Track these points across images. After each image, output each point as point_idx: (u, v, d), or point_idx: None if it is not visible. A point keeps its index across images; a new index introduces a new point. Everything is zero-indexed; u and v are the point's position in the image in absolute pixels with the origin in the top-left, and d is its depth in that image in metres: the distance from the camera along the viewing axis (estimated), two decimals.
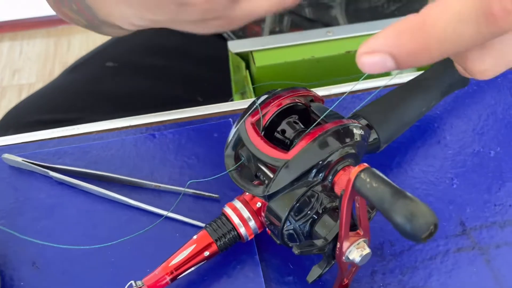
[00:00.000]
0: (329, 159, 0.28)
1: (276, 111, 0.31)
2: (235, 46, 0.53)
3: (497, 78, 0.44)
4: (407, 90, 0.36)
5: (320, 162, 0.28)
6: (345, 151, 0.29)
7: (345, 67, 0.53)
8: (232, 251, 0.33)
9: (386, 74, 0.53)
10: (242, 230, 0.31)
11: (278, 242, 0.31)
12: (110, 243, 0.31)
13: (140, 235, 0.32)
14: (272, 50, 0.52)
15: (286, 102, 0.31)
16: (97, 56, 0.69)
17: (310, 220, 0.29)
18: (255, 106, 0.31)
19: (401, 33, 0.19)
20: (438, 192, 0.37)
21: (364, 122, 0.34)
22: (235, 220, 0.31)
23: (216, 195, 0.36)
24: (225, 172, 0.31)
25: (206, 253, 0.31)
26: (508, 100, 0.42)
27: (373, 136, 0.34)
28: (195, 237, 0.31)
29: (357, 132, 0.30)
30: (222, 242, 0.31)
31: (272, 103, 0.31)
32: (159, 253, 0.31)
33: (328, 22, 0.60)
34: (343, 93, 0.44)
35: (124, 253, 0.34)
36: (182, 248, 0.31)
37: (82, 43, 1.68)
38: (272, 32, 0.61)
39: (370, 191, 0.23)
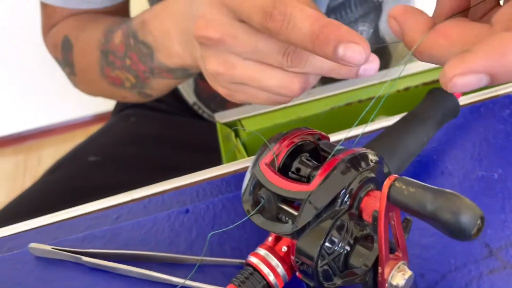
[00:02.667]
0: (351, 186, 0.28)
1: (289, 149, 0.31)
2: (222, 116, 0.53)
3: (479, 108, 0.46)
4: (406, 123, 0.37)
5: (344, 190, 0.28)
6: (364, 176, 0.28)
7: (330, 123, 0.55)
8: None
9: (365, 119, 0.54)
10: (272, 279, 0.29)
11: (312, 284, 0.29)
12: None
13: None
14: (259, 116, 0.53)
15: (296, 141, 0.31)
16: (78, 152, 0.68)
17: (343, 253, 0.28)
18: (267, 149, 0.31)
19: (506, 53, 0.19)
20: None
21: None
22: (263, 269, 0.29)
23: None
24: (246, 218, 0.30)
25: None
26: (495, 126, 0.44)
27: (384, 169, 0.34)
28: None
29: (372, 157, 0.30)
30: None
31: (282, 143, 0.31)
32: None
33: None
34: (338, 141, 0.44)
35: None
36: None
37: (53, 155, 1.67)
38: None
39: (409, 197, 0.23)
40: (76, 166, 0.65)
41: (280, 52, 0.31)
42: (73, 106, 1.60)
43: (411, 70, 0.58)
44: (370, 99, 0.55)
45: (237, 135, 0.54)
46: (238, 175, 0.42)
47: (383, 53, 0.67)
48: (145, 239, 0.36)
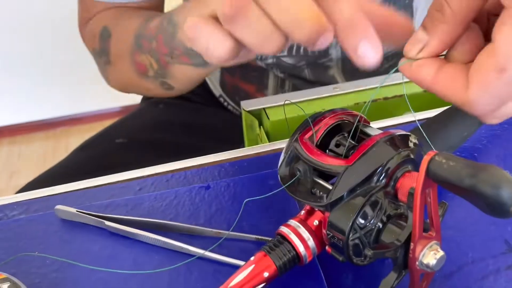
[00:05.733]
0: (388, 165, 0.28)
1: (328, 127, 0.31)
2: (248, 104, 0.54)
3: None
4: (447, 116, 0.38)
5: (380, 168, 0.28)
6: (403, 155, 0.29)
7: None
8: (294, 276, 0.31)
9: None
10: (302, 250, 0.30)
11: (340, 259, 0.29)
12: None
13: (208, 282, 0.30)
14: (284, 106, 0.54)
15: (335, 120, 0.32)
16: (107, 134, 0.70)
17: (375, 229, 0.28)
18: (306, 123, 0.31)
19: None
20: (479, 213, 0.37)
21: None
22: (294, 239, 0.30)
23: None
24: (281, 188, 0.30)
25: (265, 274, 0.29)
26: None
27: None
28: (252, 258, 0.30)
29: (413, 139, 0.30)
30: (281, 263, 0.29)
31: (323, 121, 0.32)
32: None
33: (327, 82, 0.63)
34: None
35: None
36: (240, 270, 0.29)
37: (80, 142, 1.70)
38: None
39: (448, 171, 0.23)
40: (104, 146, 0.67)
41: None
42: (102, 97, 1.64)
43: None
44: (396, 96, 0.55)
45: (260, 123, 0.54)
46: (259, 158, 0.43)
47: None
48: (166, 210, 0.37)
